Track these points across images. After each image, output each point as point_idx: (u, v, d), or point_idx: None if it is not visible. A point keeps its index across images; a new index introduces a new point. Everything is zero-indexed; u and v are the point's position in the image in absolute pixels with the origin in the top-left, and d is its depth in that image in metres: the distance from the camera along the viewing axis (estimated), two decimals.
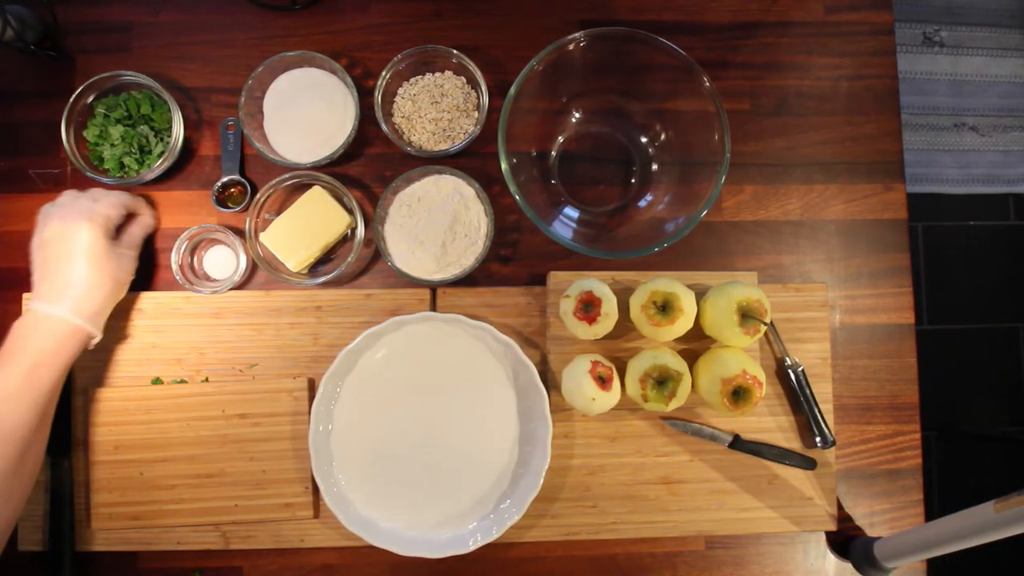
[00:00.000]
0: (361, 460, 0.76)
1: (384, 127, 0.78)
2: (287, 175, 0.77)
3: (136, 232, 0.76)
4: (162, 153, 0.79)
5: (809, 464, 0.78)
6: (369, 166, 0.82)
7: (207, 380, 0.77)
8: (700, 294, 0.76)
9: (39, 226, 0.71)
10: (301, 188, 0.79)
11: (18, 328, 0.67)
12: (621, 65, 0.78)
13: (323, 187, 0.77)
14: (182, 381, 0.77)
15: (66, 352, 0.67)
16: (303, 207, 0.77)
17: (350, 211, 0.77)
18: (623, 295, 0.77)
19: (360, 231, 0.76)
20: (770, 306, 0.73)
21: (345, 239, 0.80)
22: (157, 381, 0.77)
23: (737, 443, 0.78)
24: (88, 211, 0.70)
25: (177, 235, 0.77)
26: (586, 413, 0.73)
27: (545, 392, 0.74)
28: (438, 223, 0.77)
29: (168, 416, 0.76)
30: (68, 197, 0.73)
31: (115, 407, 0.76)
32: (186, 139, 0.81)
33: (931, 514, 0.77)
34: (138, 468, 0.75)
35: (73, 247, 0.68)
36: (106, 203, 0.72)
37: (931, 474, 1.71)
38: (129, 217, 0.77)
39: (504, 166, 0.72)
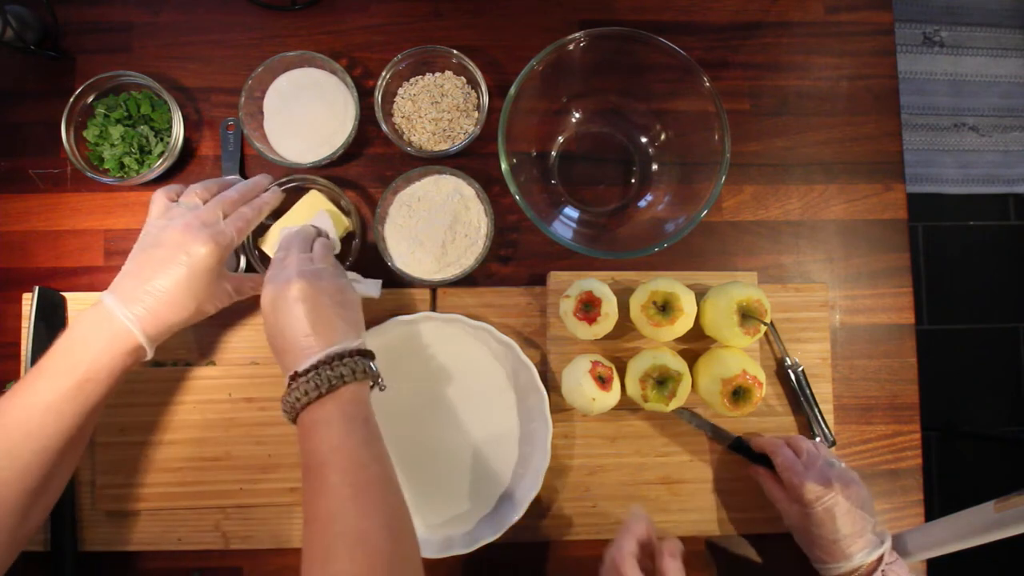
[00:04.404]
0: None
1: (384, 127, 0.78)
2: (283, 179, 0.77)
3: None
4: (162, 153, 0.79)
5: None
6: (369, 166, 0.82)
7: (213, 364, 0.77)
8: (700, 294, 0.76)
9: (155, 222, 0.65)
10: (299, 192, 0.78)
11: (79, 325, 0.61)
12: (621, 65, 0.78)
13: (319, 191, 0.77)
14: (187, 364, 0.77)
15: (119, 369, 0.62)
16: (300, 211, 0.77)
17: (347, 213, 0.77)
18: (623, 295, 0.77)
19: (358, 233, 0.76)
20: (770, 306, 0.73)
21: (345, 240, 0.79)
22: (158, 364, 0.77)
23: (738, 444, 0.77)
24: (215, 230, 0.64)
25: None
26: (586, 413, 0.73)
27: (545, 392, 0.74)
28: (438, 223, 0.77)
29: (174, 399, 0.76)
30: (194, 198, 0.66)
31: (122, 389, 0.75)
32: (186, 139, 0.81)
33: (931, 514, 0.77)
34: (144, 450, 0.75)
35: (181, 259, 0.62)
36: (233, 224, 0.66)
37: (931, 474, 1.71)
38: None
39: (504, 166, 0.72)
